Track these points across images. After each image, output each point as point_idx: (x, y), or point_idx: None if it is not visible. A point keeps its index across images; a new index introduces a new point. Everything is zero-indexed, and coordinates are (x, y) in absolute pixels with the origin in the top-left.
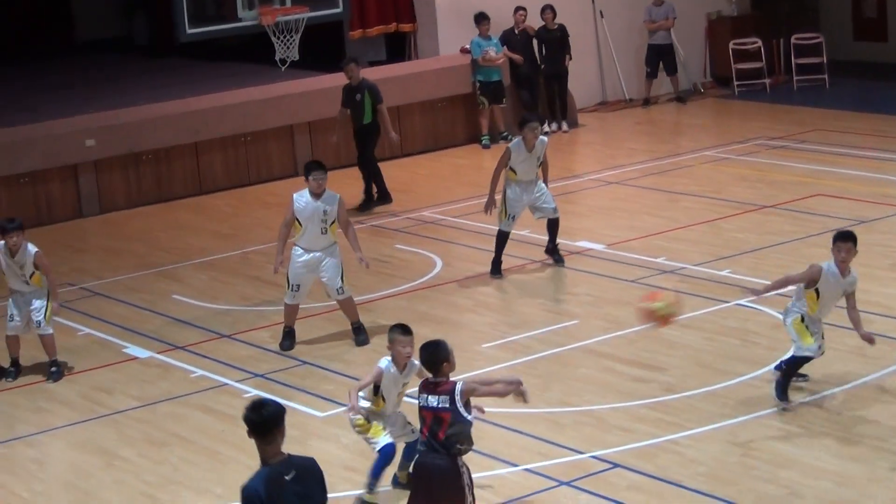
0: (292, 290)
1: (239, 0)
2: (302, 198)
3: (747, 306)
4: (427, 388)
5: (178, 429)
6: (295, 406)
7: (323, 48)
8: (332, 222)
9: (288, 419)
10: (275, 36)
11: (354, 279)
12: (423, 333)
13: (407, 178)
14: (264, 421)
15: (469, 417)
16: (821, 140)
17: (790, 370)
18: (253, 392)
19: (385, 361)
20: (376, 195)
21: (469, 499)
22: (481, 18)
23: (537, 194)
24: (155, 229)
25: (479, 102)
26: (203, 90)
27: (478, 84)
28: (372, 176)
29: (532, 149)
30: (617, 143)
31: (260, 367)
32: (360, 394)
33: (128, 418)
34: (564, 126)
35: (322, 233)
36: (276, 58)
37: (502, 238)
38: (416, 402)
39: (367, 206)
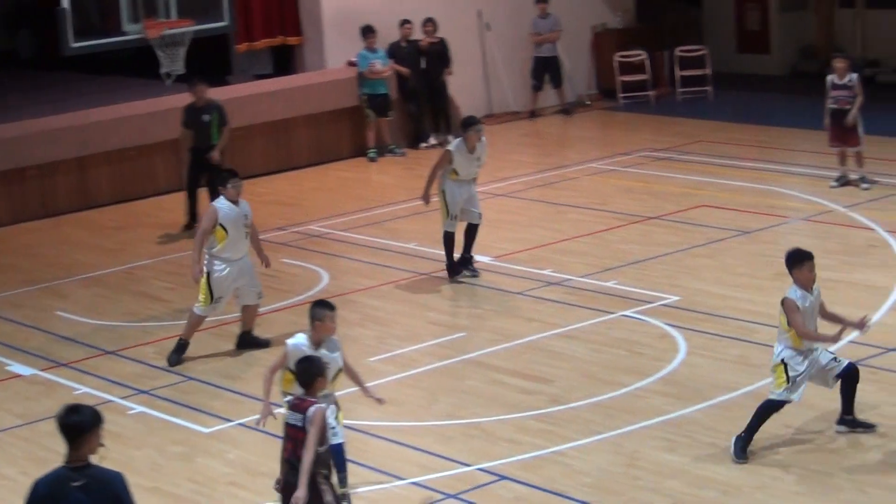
0: (214, 301)
1: (124, 13)
2: (223, 205)
3: (633, 317)
4: (294, 405)
5: (61, 447)
6: (180, 422)
7: (209, 61)
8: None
9: (173, 435)
10: (160, 49)
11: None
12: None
13: (293, 191)
14: (71, 425)
15: (319, 449)
16: (704, 151)
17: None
18: (138, 408)
19: (298, 338)
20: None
21: None
22: (368, 31)
23: (468, 196)
24: (40, 245)
25: (366, 115)
26: (89, 104)
27: (364, 97)
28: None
29: (473, 150)
30: (503, 155)
31: (145, 383)
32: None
33: (10, 436)
34: (450, 138)
35: (244, 237)
36: (162, 71)
37: (448, 239)
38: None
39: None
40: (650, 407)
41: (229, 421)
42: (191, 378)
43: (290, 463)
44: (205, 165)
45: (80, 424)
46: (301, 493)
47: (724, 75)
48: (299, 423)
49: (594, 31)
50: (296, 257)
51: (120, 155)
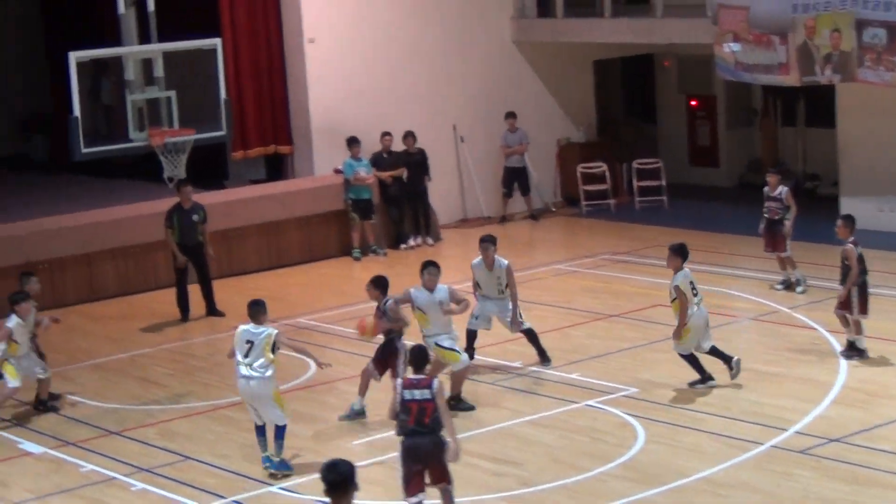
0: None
1: (130, 123)
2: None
3: (596, 406)
4: (413, 384)
5: None
6: (179, 499)
7: (207, 167)
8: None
9: None
10: (163, 155)
11: (231, 380)
12: (296, 430)
13: (281, 287)
14: (334, 481)
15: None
16: (661, 255)
17: None
18: (139, 485)
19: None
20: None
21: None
22: (352, 142)
23: (503, 312)
24: (49, 333)
25: (351, 218)
26: (96, 204)
27: (349, 201)
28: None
29: (490, 268)
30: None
31: (146, 461)
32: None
33: None
34: (429, 240)
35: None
36: (164, 175)
37: (468, 335)
38: None
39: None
40: (612, 490)
41: (223, 497)
42: (188, 457)
43: (416, 430)
44: (193, 260)
45: (341, 478)
46: (454, 447)
47: (677, 186)
48: (427, 396)
49: (559, 144)
50: (284, 347)
51: (124, 252)
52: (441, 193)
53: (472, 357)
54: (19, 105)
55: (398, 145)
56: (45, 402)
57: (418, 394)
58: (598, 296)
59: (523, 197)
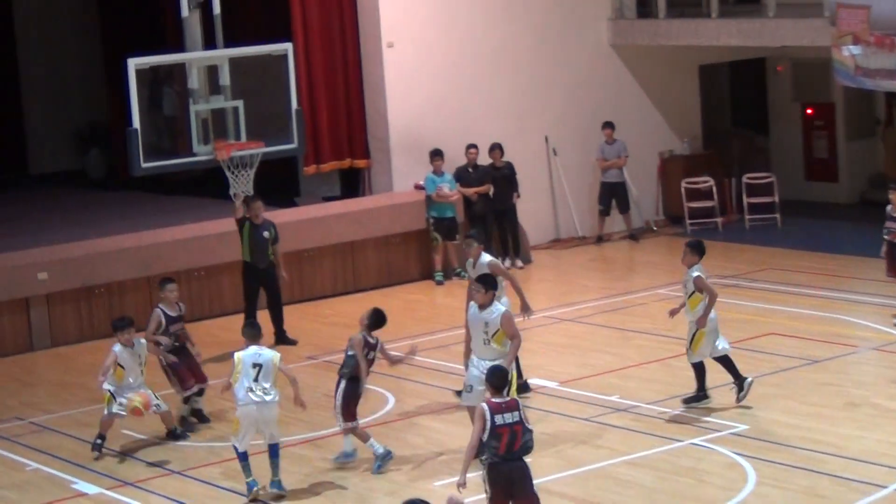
0: None
1: (194, 135)
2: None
3: (701, 446)
4: (502, 407)
5: None
6: None
7: (277, 183)
8: None
9: None
10: (229, 170)
11: (305, 414)
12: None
13: (357, 312)
14: None
15: None
16: (772, 279)
17: None
18: None
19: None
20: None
21: None
22: (435, 155)
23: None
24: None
25: (433, 239)
26: (157, 224)
27: (431, 220)
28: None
29: (474, 265)
30: (570, 279)
31: (210, 503)
32: None
33: None
34: (518, 262)
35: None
36: (230, 192)
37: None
38: None
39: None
40: None
41: None
42: (255, 500)
43: (507, 458)
44: (263, 282)
45: None
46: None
47: (791, 203)
48: (517, 419)
49: (661, 157)
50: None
51: (187, 275)
52: (531, 211)
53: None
54: (75, 117)
55: (484, 159)
56: (174, 431)
57: (509, 417)
58: None
59: (622, 215)
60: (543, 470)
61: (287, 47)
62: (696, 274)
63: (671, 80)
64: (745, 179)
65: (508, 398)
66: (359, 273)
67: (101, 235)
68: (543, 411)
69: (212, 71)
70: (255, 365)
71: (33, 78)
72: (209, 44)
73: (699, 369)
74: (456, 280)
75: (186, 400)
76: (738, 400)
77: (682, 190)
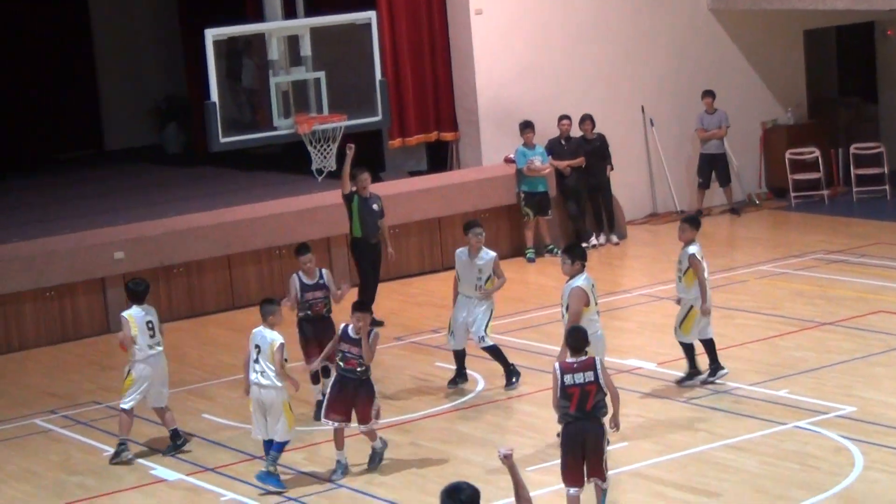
0: None
1: (274, 108)
2: None
3: (807, 429)
4: (577, 366)
5: None
6: None
7: (361, 157)
8: None
9: None
10: (311, 145)
11: (393, 397)
12: (464, 455)
13: (448, 292)
14: (468, 500)
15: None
16: (882, 254)
17: None
18: None
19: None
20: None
21: None
22: (525, 127)
23: (471, 318)
24: (185, 345)
25: (524, 214)
26: (236, 201)
27: (522, 195)
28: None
29: (475, 257)
30: (668, 256)
31: (294, 489)
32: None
33: None
34: (614, 238)
35: None
36: (312, 168)
37: (456, 357)
38: None
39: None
40: None
41: None
42: (340, 486)
43: (578, 417)
44: (375, 255)
45: (472, 498)
46: (618, 418)
47: None
48: (591, 379)
49: (764, 127)
50: (449, 361)
51: (268, 253)
52: (627, 185)
53: (465, 379)
54: (152, 91)
55: (576, 131)
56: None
57: (580, 377)
58: (809, 301)
59: (722, 188)
60: (641, 454)
61: (371, 15)
62: (692, 251)
63: (774, 46)
64: (852, 150)
65: (585, 357)
66: (447, 251)
67: (179, 213)
68: (640, 393)
69: (292, 41)
70: (256, 345)
71: (109, 52)
72: (289, 13)
73: (689, 348)
74: (548, 257)
75: (316, 379)
76: (703, 381)
77: (786, 161)
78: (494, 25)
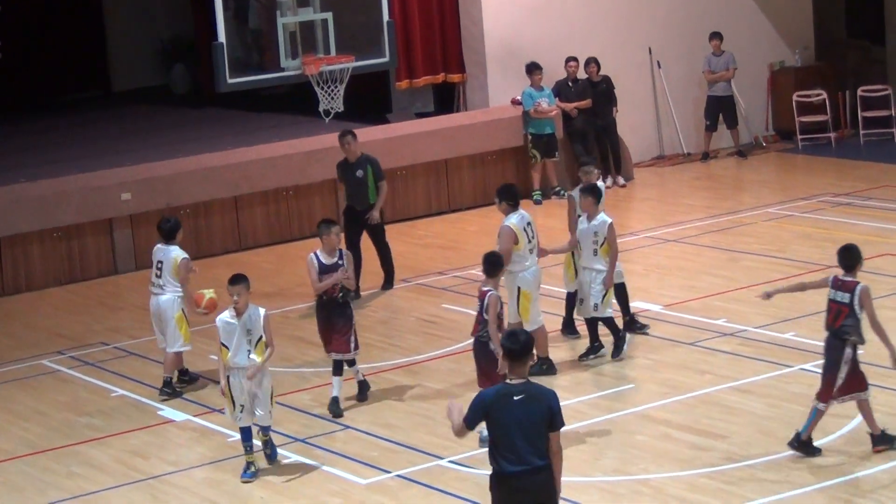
0: None
1: (282, 49)
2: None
3: (813, 371)
4: (840, 285)
5: (215, 495)
6: (337, 472)
7: (368, 99)
8: None
9: (330, 486)
10: (318, 86)
11: (399, 340)
12: (472, 396)
13: (455, 234)
14: (521, 348)
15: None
16: (889, 197)
17: None
18: (294, 457)
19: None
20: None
21: None
22: (533, 68)
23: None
24: (193, 287)
25: (531, 156)
26: (243, 142)
27: (529, 137)
28: (389, 254)
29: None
30: (674, 198)
31: (301, 431)
32: None
33: (163, 483)
34: (620, 180)
35: None
36: (320, 109)
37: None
38: None
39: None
40: (832, 467)
41: (387, 472)
42: (347, 427)
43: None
44: (362, 225)
45: (525, 346)
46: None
47: None
48: (846, 300)
49: (771, 69)
50: (456, 303)
51: (276, 195)
52: (633, 126)
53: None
54: (159, 32)
55: (584, 73)
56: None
57: (840, 296)
58: (816, 244)
59: (729, 130)
60: (647, 396)
61: None
62: (609, 221)
63: None
64: (860, 92)
65: (851, 279)
66: (453, 192)
67: (186, 154)
68: (646, 335)
69: None
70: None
71: None
72: None
73: (609, 322)
74: (555, 199)
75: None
76: (612, 355)
77: (794, 103)
78: None
